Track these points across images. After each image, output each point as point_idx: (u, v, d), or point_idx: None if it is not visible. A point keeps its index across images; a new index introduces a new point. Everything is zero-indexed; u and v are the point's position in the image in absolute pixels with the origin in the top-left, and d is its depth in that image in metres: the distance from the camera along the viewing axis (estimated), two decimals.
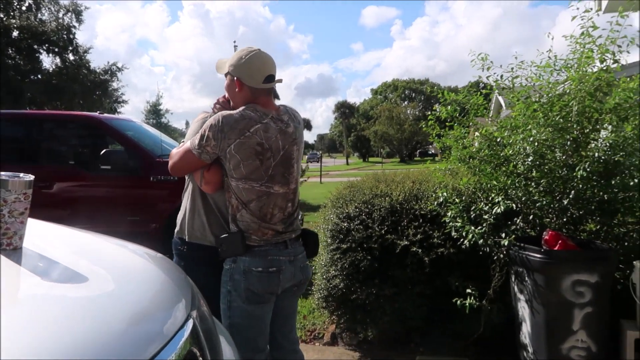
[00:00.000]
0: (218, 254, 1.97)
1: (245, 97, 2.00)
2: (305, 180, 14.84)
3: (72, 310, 0.94)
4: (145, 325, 0.99)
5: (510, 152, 3.09)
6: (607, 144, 2.93)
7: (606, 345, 2.76)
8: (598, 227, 3.27)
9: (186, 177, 2.20)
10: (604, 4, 5.28)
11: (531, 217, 3.15)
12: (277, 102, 2.21)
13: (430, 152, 66.14)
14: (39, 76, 26.29)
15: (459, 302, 3.00)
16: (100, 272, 1.19)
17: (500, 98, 12.75)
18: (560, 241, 2.84)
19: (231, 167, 1.92)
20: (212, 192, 2.04)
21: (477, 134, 3.54)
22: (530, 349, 2.85)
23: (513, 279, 2.96)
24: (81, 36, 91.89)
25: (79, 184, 5.42)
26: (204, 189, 2.03)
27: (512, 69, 3.17)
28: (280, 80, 2.09)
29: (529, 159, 2.95)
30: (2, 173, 1.24)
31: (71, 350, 0.80)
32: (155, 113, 48.05)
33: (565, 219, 3.17)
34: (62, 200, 5.30)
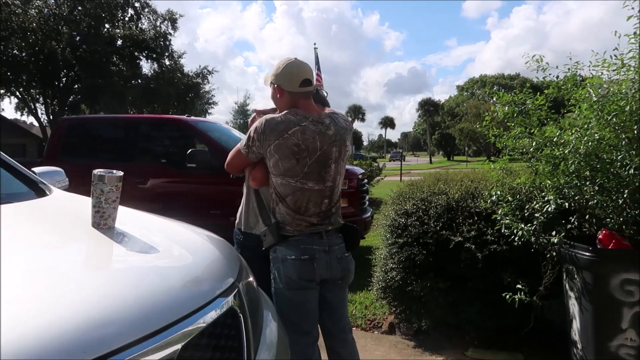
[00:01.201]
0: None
1: (286, 102, 2.23)
2: (382, 179, 15.00)
3: (143, 271, 1.28)
4: (197, 285, 1.31)
5: (565, 151, 3.12)
6: None
7: None
8: None
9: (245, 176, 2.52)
10: None
11: (587, 216, 3.16)
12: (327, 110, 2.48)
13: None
14: (139, 81, 28.64)
15: (508, 297, 3.09)
16: (168, 246, 1.53)
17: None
18: (614, 240, 2.85)
19: (271, 165, 2.17)
20: (258, 187, 2.33)
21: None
22: (579, 346, 2.89)
23: (564, 277, 3.01)
24: (180, 40, 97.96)
25: (168, 180, 6.05)
26: (251, 184, 2.33)
27: (569, 69, 3.19)
28: (318, 85, 2.34)
29: (581, 158, 2.97)
30: (99, 170, 1.63)
31: (142, 296, 1.13)
32: (242, 113, 50.40)
33: (625, 220, 3.14)
34: (153, 194, 5.96)
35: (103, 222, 1.61)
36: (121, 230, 1.59)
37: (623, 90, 2.92)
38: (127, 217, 1.78)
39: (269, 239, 2.19)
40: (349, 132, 2.33)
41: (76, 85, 26.25)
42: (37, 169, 2.42)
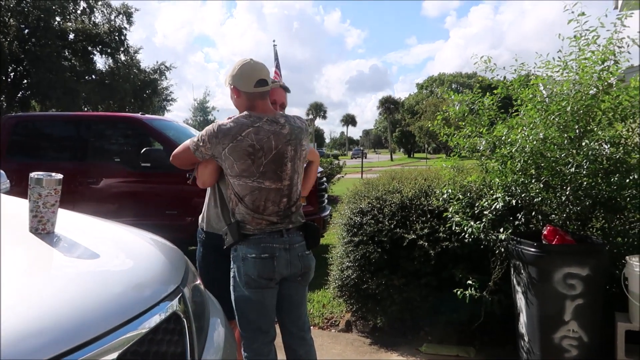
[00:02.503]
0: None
1: (243, 102, 2.26)
2: (343, 177, 15.08)
3: (82, 278, 1.24)
4: (137, 291, 1.28)
5: (512, 149, 3.22)
6: (609, 142, 3.03)
7: (599, 336, 2.88)
8: (603, 223, 3.37)
9: None
10: (620, 3, 5.23)
11: (533, 213, 3.28)
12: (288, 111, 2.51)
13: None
14: (93, 77, 27.69)
15: (459, 292, 3.17)
16: (109, 250, 1.49)
17: None
18: (557, 236, 2.97)
19: (227, 167, 2.18)
20: (203, 187, 2.37)
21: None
22: (526, 339, 3.00)
23: (512, 272, 3.11)
24: (138, 35, 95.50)
25: (122, 180, 5.89)
26: (198, 183, 2.34)
27: (515, 69, 3.30)
28: (275, 83, 2.36)
29: (527, 156, 3.08)
30: (37, 173, 1.57)
31: (79, 303, 1.10)
32: (202, 110, 49.62)
33: (568, 215, 3.28)
34: (106, 194, 5.80)
35: (41, 227, 1.55)
36: (61, 235, 1.54)
37: (565, 91, 3.05)
38: (68, 221, 1.72)
39: (229, 237, 2.19)
40: (304, 132, 2.35)
41: (25, 81, 25.11)
42: None
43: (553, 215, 3.35)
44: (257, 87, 2.22)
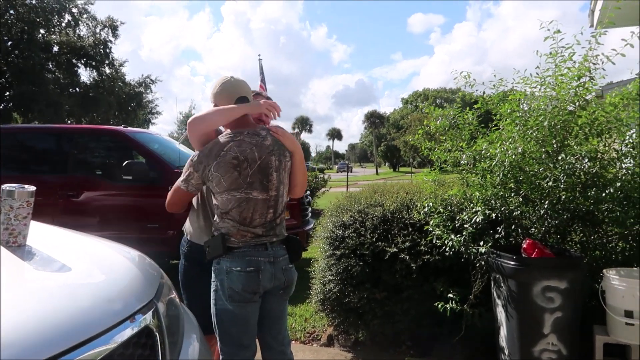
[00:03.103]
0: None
1: None
2: (327, 190, 15.10)
3: (50, 292, 1.22)
4: (108, 304, 1.26)
5: (492, 164, 3.26)
6: (586, 156, 3.09)
7: (577, 348, 2.90)
8: (582, 237, 3.41)
9: None
10: (595, 20, 5.37)
11: (513, 226, 3.31)
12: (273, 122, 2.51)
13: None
14: (77, 89, 27.47)
15: (440, 305, 3.17)
16: (82, 264, 1.47)
17: None
18: (537, 249, 3.00)
19: (215, 185, 2.17)
20: (170, 211, 2.36)
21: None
22: (506, 352, 3.00)
23: (492, 285, 3.13)
24: (124, 48, 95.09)
25: (103, 193, 5.82)
26: (166, 207, 2.34)
27: (494, 85, 3.35)
28: (259, 96, 2.39)
29: (506, 170, 3.11)
30: (8, 185, 1.54)
31: (51, 317, 1.08)
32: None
33: (547, 229, 3.31)
34: (87, 207, 5.72)
35: (12, 239, 1.53)
36: (32, 249, 1.51)
37: (542, 107, 3.10)
38: (41, 234, 1.69)
39: (213, 250, 2.17)
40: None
41: (7, 93, 24.81)
42: None
43: (533, 229, 3.39)
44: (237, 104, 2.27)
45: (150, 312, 1.36)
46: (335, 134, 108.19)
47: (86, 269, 1.44)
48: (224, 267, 2.16)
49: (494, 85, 3.37)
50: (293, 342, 4.05)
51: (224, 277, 2.15)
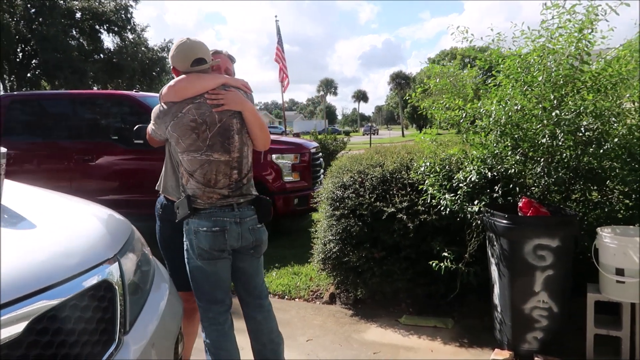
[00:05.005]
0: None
1: None
2: (347, 153, 15.03)
3: (10, 246, 1.28)
4: (66, 259, 1.32)
5: (489, 121, 3.19)
6: (591, 114, 2.99)
7: (568, 306, 2.89)
8: (580, 195, 3.35)
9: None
10: None
11: (511, 185, 3.26)
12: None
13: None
14: (101, 55, 27.75)
15: (435, 264, 3.19)
16: (47, 222, 1.53)
17: None
18: (532, 208, 2.96)
19: (173, 144, 2.25)
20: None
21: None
22: (499, 309, 3.02)
23: (487, 244, 3.12)
24: (149, 13, 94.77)
25: (116, 157, 5.96)
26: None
27: (493, 40, 3.25)
28: (214, 61, 2.36)
29: (502, 128, 3.05)
30: None
31: (10, 269, 1.15)
32: None
33: (547, 187, 3.26)
34: (101, 171, 5.89)
35: None
36: (4, 207, 1.58)
37: (538, 62, 2.99)
38: (18, 194, 1.76)
39: (181, 211, 2.23)
40: (250, 101, 2.38)
41: (34, 61, 25.26)
42: None
43: (533, 188, 3.34)
44: (194, 66, 2.26)
45: (110, 267, 1.42)
46: (361, 96, 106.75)
47: (50, 226, 1.50)
48: (192, 227, 2.22)
49: (492, 40, 3.26)
50: (297, 300, 4.16)
51: (192, 237, 2.22)
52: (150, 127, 2.37)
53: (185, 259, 2.28)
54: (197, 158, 2.19)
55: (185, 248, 2.27)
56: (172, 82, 2.26)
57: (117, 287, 1.41)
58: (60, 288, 1.22)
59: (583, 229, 3.11)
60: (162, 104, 2.25)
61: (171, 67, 2.36)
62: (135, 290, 1.55)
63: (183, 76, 2.25)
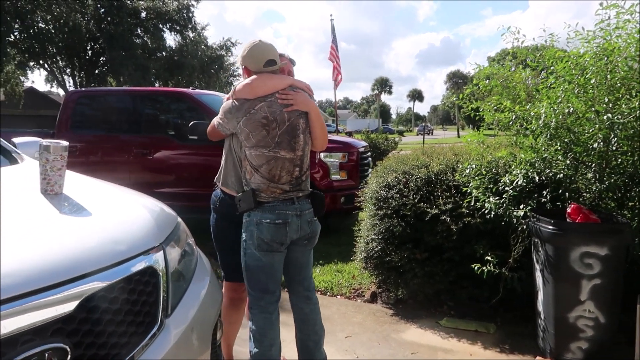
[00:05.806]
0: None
1: None
2: (398, 153, 14.92)
3: (65, 232, 1.41)
4: (115, 245, 1.44)
5: (538, 124, 3.12)
6: None
7: (617, 317, 2.78)
8: (637, 202, 3.20)
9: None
10: None
11: (560, 190, 3.18)
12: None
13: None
14: (163, 53, 28.86)
15: (477, 268, 3.16)
16: (102, 211, 1.67)
17: None
18: (581, 214, 2.88)
19: (243, 138, 2.35)
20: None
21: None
22: (542, 316, 2.95)
23: (532, 249, 3.05)
24: (209, 11, 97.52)
25: (172, 151, 6.24)
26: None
27: (546, 40, 3.17)
28: (284, 63, 2.49)
29: (552, 132, 2.98)
30: (45, 140, 1.76)
31: (53, 253, 1.27)
32: None
33: (599, 194, 3.15)
34: (158, 164, 6.18)
35: (50, 188, 1.75)
36: (65, 196, 1.73)
37: (588, 61, 2.90)
38: (81, 185, 1.92)
39: (244, 204, 2.35)
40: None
41: (102, 58, 26.66)
42: (16, 140, 2.57)
43: (585, 194, 3.23)
44: (266, 67, 2.39)
45: (156, 255, 1.53)
46: (417, 95, 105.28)
47: (105, 215, 1.63)
48: (254, 219, 2.33)
49: (545, 41, 3.18)
50: (339, 297, 4.22)
51: (253, 228, 2.33)
52: (217, 121, 2.44)
53: (242, 250, 2.39)
54: (265, 154, 2.31)
55: (243, 239, 2.38)
56: (247, 80, 2.36)
57: (161, 274, 1.52)
58: (110, 271, 1.34)
59: (639, 238, 2.99)
60: (234, 100, 2.35)
61: (242, 67, 2.46)
62: (178, 277, 1.66)
63: (257, 75, 2.37)
